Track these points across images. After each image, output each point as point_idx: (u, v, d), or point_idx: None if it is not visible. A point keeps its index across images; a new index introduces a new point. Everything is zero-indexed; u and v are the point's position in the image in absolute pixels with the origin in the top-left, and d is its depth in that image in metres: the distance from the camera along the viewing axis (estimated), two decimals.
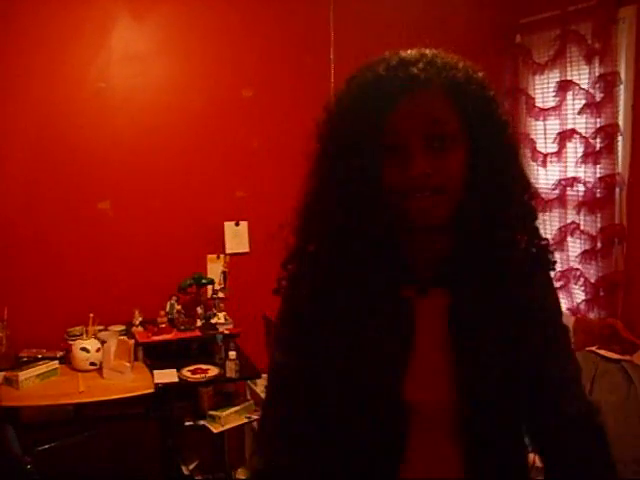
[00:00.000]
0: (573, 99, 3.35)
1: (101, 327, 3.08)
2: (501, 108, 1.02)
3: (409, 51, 1.01)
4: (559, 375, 1.09)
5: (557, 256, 3.53)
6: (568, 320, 3.32)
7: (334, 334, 1.05)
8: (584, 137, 3.27)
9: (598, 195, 3.21)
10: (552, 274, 1.14)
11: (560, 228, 3.49)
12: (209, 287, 3.33)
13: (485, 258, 1.02)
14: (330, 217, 1.02)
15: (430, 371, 1.03)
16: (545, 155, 3.59)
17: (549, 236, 3.61)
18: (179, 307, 3.21)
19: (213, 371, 2.94)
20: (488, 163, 0.98)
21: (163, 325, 3.13)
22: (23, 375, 2.74)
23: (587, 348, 2.71)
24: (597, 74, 3.16)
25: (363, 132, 0.96)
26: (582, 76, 3.29)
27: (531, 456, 1.87)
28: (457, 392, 1.01)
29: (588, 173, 3.27)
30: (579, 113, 3.29)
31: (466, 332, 1.03)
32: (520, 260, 1.04)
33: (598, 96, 3.17)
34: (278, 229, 1.13)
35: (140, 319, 3.17)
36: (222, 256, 3.43)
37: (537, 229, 1.06)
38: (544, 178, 3.65)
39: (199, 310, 3.25)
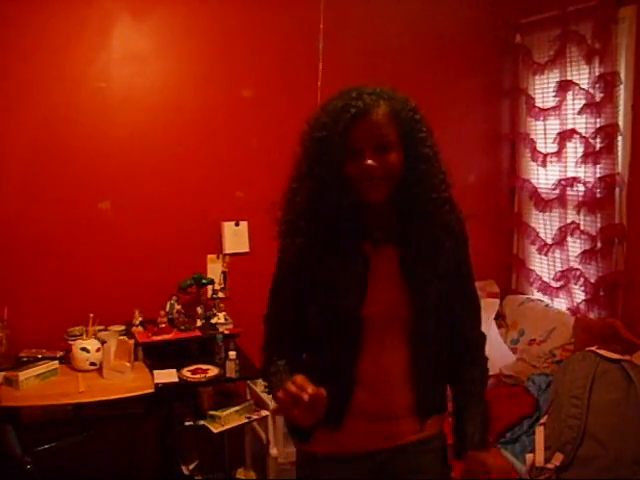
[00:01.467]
0: (573, 99, 3.35)
1: (101, 327, 3.08)
2: (422, 119, 1.50)
3: (365, 88, 1.48)
4: (466, 307, 1.66)
5: (557, 256, 3.54)
6: (568, 320, 3.32)
7: (315, 274, 1.54)
8: (584, 137, 3.27)
9: (598, 195, 3.21)
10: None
11: (560, 228, 3.49)
12: (209, 287, 3.33)
13: (418, 222, 1.51)
14: (310, 197, 1.49)
15: (383, 294, 1.54)
16: (545, 155, 3.59)
17: (549, 236, 3.61)
18: (179, 307, 3.22)
19: (213, 371, 2.94)
20: (416, 161, 1.47)
21: (163, 325, 3.13)
22: (23, 375, 2.74)
23: (587, 348, 2.71)
24: (597, 74, 3.16)
25: (334, 141, 1.44)
26: (582, 76, 3.29)
27: (530, 456, 1.89)
28: (404, 305, 1.53)
29: (588, 173, 3.27)
30: (579, 113, 3.30)
31: (409, 268, 1.54)
32: (441, 224, 1.52)
33: (598, 96, 3.17)
34: (270, 205, 1.58)
35: (140, 319, 3.17)
36: (222, 256, 3.44)
37: (454, 204, 1.55)
38: (544, 178, 3.66)
39: (199, 310, 3.25)
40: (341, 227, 1.51)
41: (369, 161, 1.43)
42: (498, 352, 3.51)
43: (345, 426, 1.57)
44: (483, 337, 1.71)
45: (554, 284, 3.60)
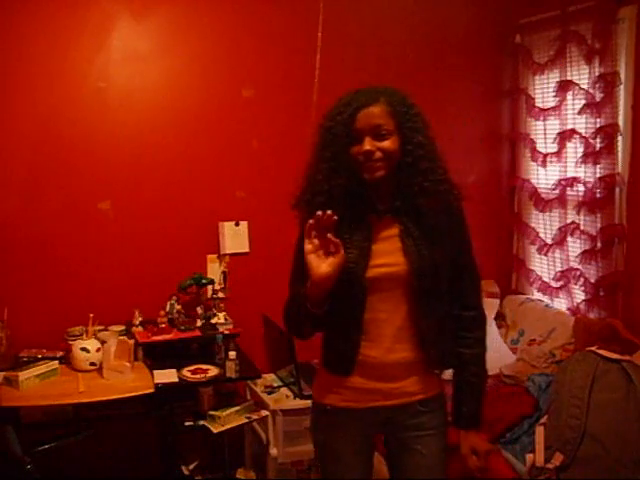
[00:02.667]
0: (573, 99, 3.35)
1: (101, 327, 3.08)
2: (419, 113, 1.76)
3: (370, 87, 1.76)
4: (464, 275, 1.86)
5: (557, 256, 3.54)
6: (568, 320, 3.32)
7: None
8: (584, 137, 3.27)
9: (598, 195, 3.21)
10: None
11: (560, 228, 3.49)
12: (209, 287, 3.33)
13: (416, 198, 1.74)
14: (323, 176, 1.75)
15: (384, 259, 1.77)
16: (545, 155, 3.59)
17: (549, 236, 3.62)
18: (179, 307, 3.22)
19: (213, 371, 2.94)
20: (412, 147, 1.72)
21: (163, 325, 3.13)
22: (23, 375, 2.74)
23: (587, 348, 2.70)
24: (597, 74, 3.16)
25: (340, 129, 1.72)
26: (582, 76, 3.29)
27: (530, 456, 1.90)
28: (403, 267, 1.75)
29: (588, 173, 3.27)
30: (579, 113, 3.30)
31: (408, 236, 1.78)
32: (437, 200, 1.75)
33: (598, 96, 3.17)
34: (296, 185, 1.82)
35: (140, 319, 3.17)
36: (222, 256, 3.44)
37: (452, 184, 1.79)
38: (544, 178, 3.66)
39: (199, 310, 3.25)
40: (350, 202, 1.76)
41: (367, 146, 1.70)
42: (498, 352, 3.51)
43: (352, 381, 1.81)
44: (483, 314, 1.91)
45: (554, 284, 3.60)
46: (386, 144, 1.70)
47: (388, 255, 1.77)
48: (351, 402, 1.83)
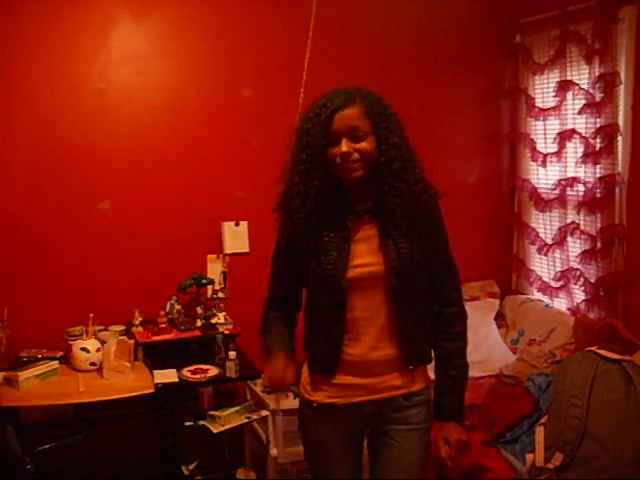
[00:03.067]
0: (573, 99, 3.35)
1: (101, 327, 3.08)
2: (394, 114, 1.78)
3: (346, 88, 1.78)
4: (444, 270, 1.89)
5: (557, 256, 3.54)
6: (568, 320, 3.32)
7: (307, 245, 1.82)
8: (584, 137, 3.27)
9: (598, 195, 3.21)
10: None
11: (560, 228, 3.49)
12: (209, 287, 3.33)
13: (392, 198, 1.76)
14: (300, 178, 1.78)
15: (364, 259, 1.80)
16: (545, 155, 3.59)
17: (549, 236, 3.61)
18: (179, 307, 3.22)
19: (213, 371, 2.94)
20: (388, 147, 1.74)
21: (163, 325, 3.13)
22: (23, 375, 2.74)
23: (587, 348, 2.70)
24: (597, 74, 3.16)
25: (317, 130, 1.73)
26: (582, 76, 3.29)
27: (530, 456, 1.91)
28: (382, 266, 1.79)
29: (588, 173, 3.27)
30: (579, 113, 3.30)
31: (385, 235, 1.80)
32: (413, 199, 1.77)
33: (598, 96, 3.17)
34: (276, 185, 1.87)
35: (140, 319, 3.17)
36: (222, 256, 3.44)
37: (427, 183, 1.81)
38: (544, 178, 3.66)
39: (199, 310, 3.25)
40: (327, 203, 1.79)
41: (344, 147, 1.72)
42: (498, 352, 3.51)
43: (337, 379, 1.85)
44: (464, 310, 1.94)
45: (554, 284, 3.60)
46: (363, 145, 1.72)
47: (367, 255, 1.81)
48: (336, 398, 1.87)
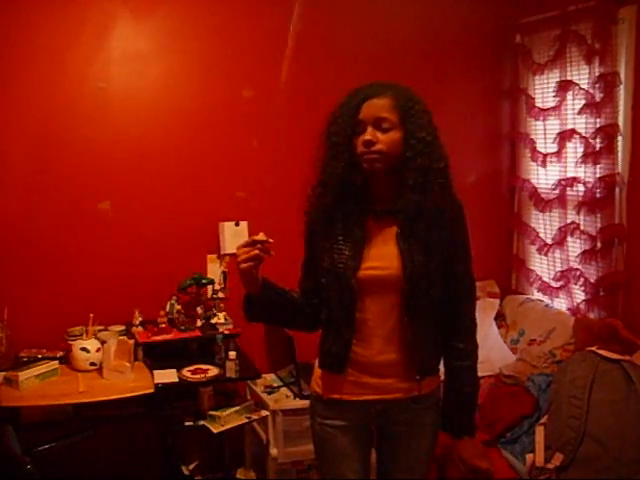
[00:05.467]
0: (573, 99, 3.35)
1: (101, 327, 3.08)
2: (425, 111, 1.76)
3: (379, 81, 1.79)
4: (459, 286, 1.85)
5: (557, 256, 3.54)
6: (568, 320, 3.32)
7: (323, 240, 1.83)
8: (584, 137, 3.27)
9: (598, 195, 3.21)
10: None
11: (560, 228, 3.49)
12: (209, 287, 3.33)
13: (415, 200, 1.73)
14: (325, 167, 1.78)
15: (377, 261, 1.78)
16: (545, 155, 3.59)
17: (549, 236, 3.61)
18: (179, 307, 3.22)
19: (213, 371, 2.94)
20: (414, 141, 1.72)
21: (163, 325, 3.13)
22: (23, 375, 2.74)
23: (587, 348, 2.70)
24: (597, 74, 3.16)
25: (345, 118, 1.74)
26: (582, 76, 3.29)
27: (530, 456, 1.90)
28: (396, 271, 1.76)
29: (588, 173, 3.27)
30: (579, 113, 3.30)
31: (403, 239, 1.77)
32: (436, 205, 1.74)
33: (598, 96, 3.17)
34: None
35: (140, 319, 3.17)
36: (222, 256, 3.44)
37: (452, 193, 1.78)
38: (544, 178, 3.65)
39: (199, 310, 3.25)
40: (347, 198, 1.79)
41: (368, 135, 1.71)
42: (498, 352, 3.51)
43: (345, 376, 1.85)
44: (475, 324, 1.92)
45: (554, 284, 3.60)
46: (388, 136, 1.71)
47: (381, 258, 1.79)
48: (345, 395, 1.87)
